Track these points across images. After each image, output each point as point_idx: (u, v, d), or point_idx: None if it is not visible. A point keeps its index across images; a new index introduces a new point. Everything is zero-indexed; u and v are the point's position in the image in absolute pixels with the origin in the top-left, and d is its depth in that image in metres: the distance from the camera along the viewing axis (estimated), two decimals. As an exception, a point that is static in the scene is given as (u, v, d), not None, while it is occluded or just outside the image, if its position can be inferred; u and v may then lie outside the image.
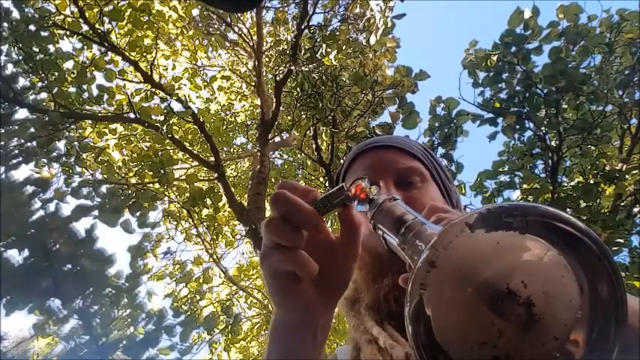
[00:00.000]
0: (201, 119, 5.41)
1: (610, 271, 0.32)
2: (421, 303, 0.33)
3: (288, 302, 0.49)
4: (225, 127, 7.05)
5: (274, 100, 5.13)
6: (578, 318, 0.33)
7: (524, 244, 0.33)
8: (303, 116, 5.07)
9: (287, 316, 0.50)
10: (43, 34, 4.45)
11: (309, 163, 6.13)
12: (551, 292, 0.33)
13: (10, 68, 4.29)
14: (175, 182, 5.19)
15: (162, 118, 5.13)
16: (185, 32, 6.45)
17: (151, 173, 4.92)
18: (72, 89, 4.81)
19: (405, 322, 0.34)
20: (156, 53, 5.63)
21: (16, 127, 4.20)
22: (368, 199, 0.48)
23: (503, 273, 0.33)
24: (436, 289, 0.33)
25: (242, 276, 6.60)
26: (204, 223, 5.37)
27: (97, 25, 4.72)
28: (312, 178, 5.66)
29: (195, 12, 6.29)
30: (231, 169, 7.40)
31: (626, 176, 3.87)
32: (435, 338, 0.33)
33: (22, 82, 4.39)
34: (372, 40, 4.56)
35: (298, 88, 4.83)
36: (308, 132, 4.99)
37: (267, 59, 6.21)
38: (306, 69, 4.86)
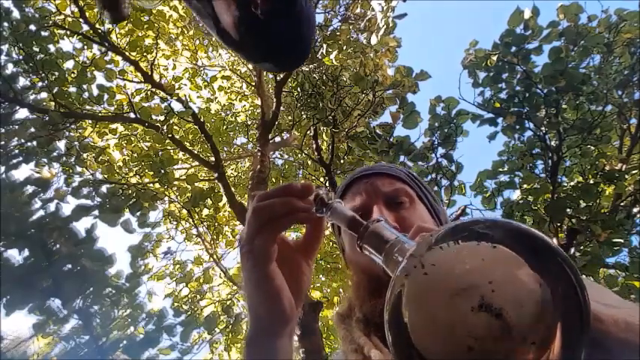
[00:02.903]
0: (201, 119, 5.41)
1: (575, 282, 0.34)
2: (399, 310, 0.35)
3: (269, 299, 0.53)
4: (225, 127, 7.05)
5: (275, 100, 5.13)
6: (548, 323, 0.34)
7: (494, 255, 0.34)
8: (304, 116, 5.07)
9: (269, 320, 0.54)
10: (43, 34, 4.45)
11: (309, 163, 6.13)
12: (522, 301, 0.34)
13: (10, 68, 4.30)
14: (176, 182, 5.19)
15: (162, 118, 5.14)
16: (185, 32, 6.44)
17: (151, 173, 4.92)
18: (72, 89, 4.81)
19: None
20: (156, 53, 5.63)
21: (16, 127, 4.20)
22: (325, 204, 0.52)
23: (476, 283, 0.34)
24: (412, 298, 0.35)
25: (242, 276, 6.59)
26: (205, 223, 5.38)
27: (97, 25, 4.72)
28: (313, 178, 5.65)
29: (196, 12, 6.28)
30: (232, 169, 7.39)
31: (626, 176, 3.87)
32: (412, 342, 0.35)
33: (22, 82, 4.39)
34: (373, 40, 4.56)
35: (299, 88, 4.83)
36: (308, 132, 5.00)
37: (267, 59, 6.19)
38: (307, 69, 4.87)
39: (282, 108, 5.30)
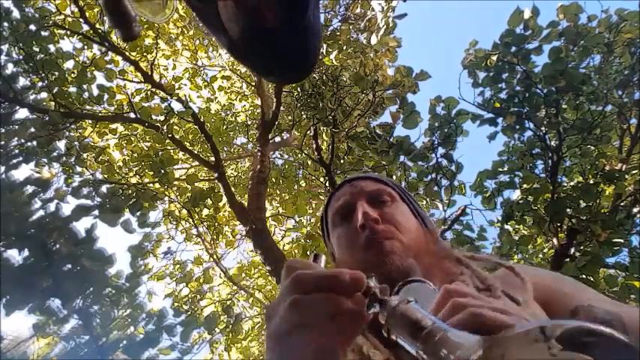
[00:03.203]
0: (201, 119, 5.41)
1: None
2: None
3: None
4: (225, 127, 7.05)
5: (275, 100, 5.13)
6: None
7: None
8: (304, 116, 5.07)
9: None
10: (43, 34, 4.45)
11: (309, 163, 6.13)
12: None
13: (10, 68, 4.30)
14: (176, 182, 5.19)
15: (162, 118, 5.14)
16: (185, 32, 6.44)
17: (151, 173, 4.92)
18: (72, 89, 4.81)
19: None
20: (156, 53, 5.63)
21: (16, 127, 4.20)
22: (378, 300, 0.44)
23: None
24: None
25: (243, 275, 6.60)
26: (205, 223, 5.38)
27: (97, 25, 4.73)
28: (313, 178, 5.66)
29: (196, 12, 6.28)
30: (232, 169, 7.40)
31: (626, 176, 3.87)
32: None
33: (22, 82, 4.39)
34: (373, 40, 4.56)
35: (299, 88, 4.83)
36: (308, 132, 4.99)
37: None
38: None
39: (282, 108, 5.30)
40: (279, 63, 0.78)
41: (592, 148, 4.09)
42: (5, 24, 4.06)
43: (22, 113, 4.63)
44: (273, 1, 0.65)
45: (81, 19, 4.66)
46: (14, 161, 4.01)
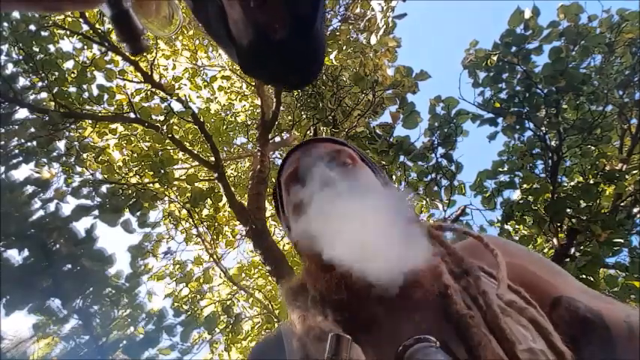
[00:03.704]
0: (201, 119, 5.41)
1: None
2: None
3: None
4: (225, 127, 7.04)
5: (274, 99, 5.12)
6: None
7: None
8: (304, 116, 5.07)
9: None
10: (43, 34, 4.45)
11: (309, 163, 6.12)
12: None
13: (10, 68, 4.30)
14: (176, 182, 5.19)
15: (162, 118, 5.14)
16: (185, 32, 6.44)
17: (151, 173, 4.92)
18: (72, 89, 4.81)
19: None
20: (156, 53, 5.63)
21: (16, 127, 4.20)
22: None
23: None
24: None
25: (242, 275, 6.59)
26: (205, 223, 5.37)
27: (97, 25, 4.72)
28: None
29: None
30: (232, 169, 7.39)
31: (626, 176, 3.87)
32: None
33: (22, 82, 4.39)
34: (373, 40, 4.56)
35: (298, 88, 4.83)
36: (308, 132, 4.99)
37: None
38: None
39: (282, 108, 5.30)
40: (289, 71, 0.78)
41: (592, 148, 4.09)
42: (5, 24, 4.06)
43: (22, 113, 4.62)
44: (283, 16, 0.66)
45: (81, 19, 4.66)
46: (14, 161, 4.01)
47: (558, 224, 3.79)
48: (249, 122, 7.00)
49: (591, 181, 3.83)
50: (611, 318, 0.58)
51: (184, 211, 5.16)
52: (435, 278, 0.62)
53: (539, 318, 0.56)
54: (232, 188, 5.20)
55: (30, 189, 3.79)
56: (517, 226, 4.32)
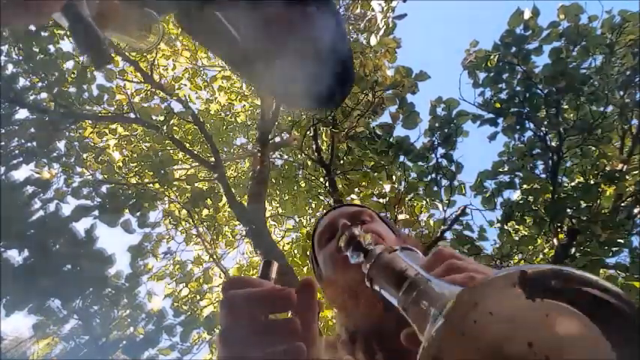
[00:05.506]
0: (201, 119, 5.41)
1: None
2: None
3: None
4: (225, 127, 7.04)
5: (274, 100, 5.11)
6: None
7: (559, 318, 0.27)
8: (304, 116, 5.07)
9: None
10: (43, 34, 4.45)
11: (309, 163, 6.13)
12: None
13: (10, 68, 4.30)
14: (175, 182, 5.19)
15: (162, 118, 5.14)
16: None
17: (151, 173, 4.92)
18: (72, 89, 4.81)
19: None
20: (156, 53, 5.63)
21: (16, 127, 4.20)
22: (363, 249, 0.42)
23: (540, 344, 0.28)
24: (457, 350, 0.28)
25: (242, 275, 6.59)
26: (205, 224, 5.37)
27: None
28: (313, 178, 5.65)
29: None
30: (232, 170, 7.39)
31: (627, 177, 3.87)
32: None
33: (22, 82, 4.39)
34: (373, 40, 4.56)
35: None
36: (308, 132, 4.99)
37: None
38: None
39: (281, 108, 5.29)
40: (327, 98, 0.81)
41: (592, 148, 4.09)
42: (5, 24, 4.06)
43: (22, 113, 4.63)
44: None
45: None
46: (14, 161, 4.01)
47: (558, 224, 3.79)
48: (249, 122, 6.99)
49: (592, 182, 3.83)
50: None
51: (184, 212, 5.16)
52: None
53: None
54: (232, 188, 5.20)
55: (30, 189, 3.79)
56: (517, 227, 4.32)
